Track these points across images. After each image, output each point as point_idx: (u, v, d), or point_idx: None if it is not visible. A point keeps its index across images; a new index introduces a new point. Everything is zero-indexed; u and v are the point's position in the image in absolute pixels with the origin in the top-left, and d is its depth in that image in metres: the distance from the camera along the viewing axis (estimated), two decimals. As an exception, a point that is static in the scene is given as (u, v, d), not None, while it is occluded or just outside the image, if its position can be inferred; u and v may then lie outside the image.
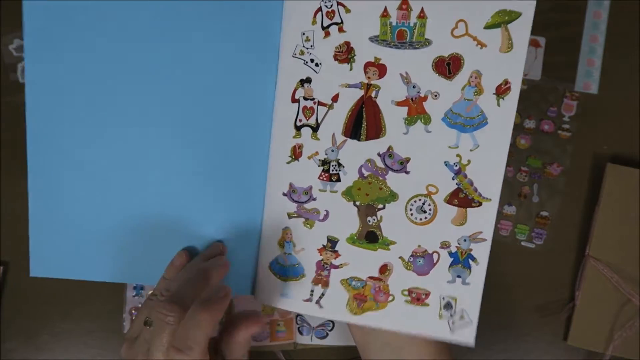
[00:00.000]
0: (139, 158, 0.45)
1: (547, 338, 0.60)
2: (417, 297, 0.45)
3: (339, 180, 0.45)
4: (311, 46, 0.44)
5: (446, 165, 0.43)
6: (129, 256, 0.47)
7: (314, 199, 0.45)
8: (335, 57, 0.44)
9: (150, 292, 0.43)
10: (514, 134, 0.60)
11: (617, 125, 0.60)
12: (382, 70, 0.43)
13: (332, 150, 0.44)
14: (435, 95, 0.43)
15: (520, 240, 0.60)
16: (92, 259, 0.47)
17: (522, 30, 0.41)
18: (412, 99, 0.43)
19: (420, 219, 0.44)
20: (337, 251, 0.45)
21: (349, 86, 0.44)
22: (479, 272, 0.44)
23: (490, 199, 0.43)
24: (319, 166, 0.45)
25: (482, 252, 0.44)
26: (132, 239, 0.46)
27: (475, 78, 0.42)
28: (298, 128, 0.45)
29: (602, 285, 0.57)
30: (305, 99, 0.44)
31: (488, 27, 0.42)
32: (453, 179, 0.43)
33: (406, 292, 0.45)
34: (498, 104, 0.42)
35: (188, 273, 0.42)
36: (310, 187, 0.45)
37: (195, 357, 0.36)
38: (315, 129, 0.44)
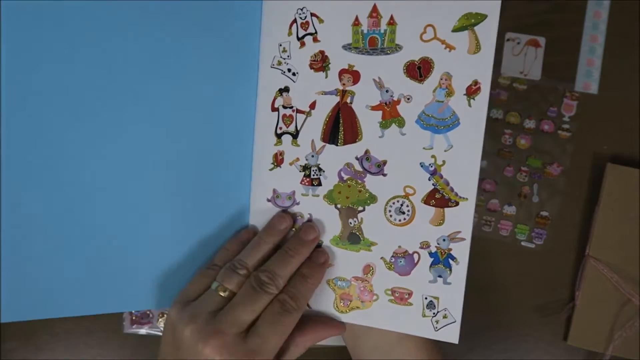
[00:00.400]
0: (118, 174, 0.45)
1: (547, 338, 0.60)
2: (400, 297, 0.45)
3: (320, 184, 0.46)
4: (288, 56, 0.45)
5: (422, 166, 0.44)
6: (117, 281, 0.46)
7: (297, 204, 0.46)
8: (311, 66, 0.45)
9: (212, 262, 0.45)
10: (514, 134, 0.60)
11: (617, 125, 0.60)
12: (356, 76, 0.45)
13: (312, 156, 0.46)
14: (408, 99, 0.44)
15: (520, 240, 0.60)
16: (75, 292, 0.46)
17: (488, 31, 0.42)
18: (385, 103, 0.44)
19: (399, 220, 0.45)
20: None
21: (325, 93, 0.45)
22: (459, 272, 0.45)
23: (466, 199, 0.44)
24: (300, 172, 0.46)
25: (461, 252, 0.45)
26: (116, 263, 0.46)
27: (446, 80, 0.43)
28: (279, 136, 0.46)
29: (602, 285, 0.57)
30: (284, 107, 0.46)
31: (455, 30, 0.43)
32: (429, 180, 0.44)
33: (389, 292, 0.46)
34: (469, 105, 0.43)
35: (280, 253, 0.44)
36: (293, 192, 0.46)
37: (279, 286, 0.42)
38: (295, 136, 0.46)
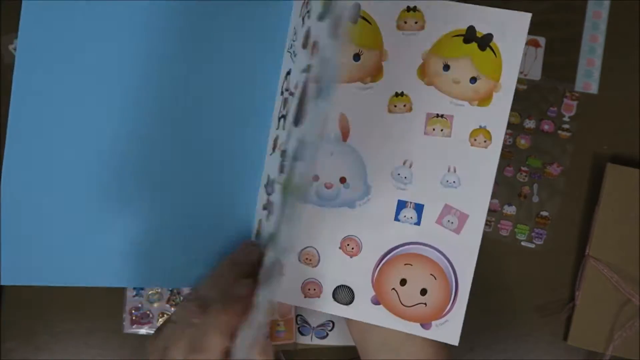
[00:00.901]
0: (133, 158, 0.44)
1: (547, 338, 0.60)
2: None
3: None
4: (295, 39, 0.44)
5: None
6: (120, 260, 0.45)
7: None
8: (303, 45, 0.43)
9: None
10: (514, 134, 0.60)
11: (617, 125, 0.60)
12: None
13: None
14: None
15: (520, 240, 0.60)
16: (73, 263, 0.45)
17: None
18: None
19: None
20: None
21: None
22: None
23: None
24: (280, 156, 0.44)
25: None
26: (124, 243, 0.45)
27: None
28: (279, 120, 0.45)
29: (602, 285, 0.57)
30: (286, 90, 0.44)
31: None
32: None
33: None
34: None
35: (215, 271, 0.41)
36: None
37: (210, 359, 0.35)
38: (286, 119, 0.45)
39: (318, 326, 0.59)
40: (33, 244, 0.44)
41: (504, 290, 0.60)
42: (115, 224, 0.45)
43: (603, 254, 0.57)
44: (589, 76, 0.60)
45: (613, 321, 0.57)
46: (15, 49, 0.59)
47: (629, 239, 0.57)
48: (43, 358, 0.59)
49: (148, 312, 0.59)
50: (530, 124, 0.60)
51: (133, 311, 0.59)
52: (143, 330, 0.59)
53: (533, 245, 0.60)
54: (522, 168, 0.60)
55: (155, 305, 0.59)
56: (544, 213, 0.60)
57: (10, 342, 0.59)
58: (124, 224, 0.45)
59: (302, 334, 0.59)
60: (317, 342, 0.59)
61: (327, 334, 0.59)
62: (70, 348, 0.59)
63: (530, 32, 0.61)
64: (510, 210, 0.60)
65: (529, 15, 0.42)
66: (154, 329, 0.58)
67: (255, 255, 0.41)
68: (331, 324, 0.59)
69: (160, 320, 0.59)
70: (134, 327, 0.59)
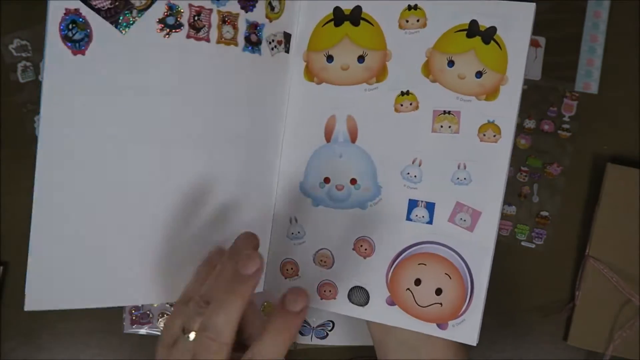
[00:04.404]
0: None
1: (547, 338, 0.60)
2: None
3: None
4: None
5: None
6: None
7: None
8: None
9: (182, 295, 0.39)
10: (514, 134, 0.60)
11: (617, 125, 0.60)
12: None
13: None
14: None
15: (520, 240, 0.60)
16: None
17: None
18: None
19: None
20: None
21: None
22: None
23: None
24: None
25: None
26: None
27: None
28: None
29: (602, 285, 0.57)
30: None
31: None
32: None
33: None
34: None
35: (218, 278, 0.37)
36: None
37: (221, 341, 0.33)
38: None
39: (318, 326, 0.59)
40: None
41: (504, 290, 0.60)
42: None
43: (603, 254, 0.57)
44: (589, 76, 0.60)
45: (613, 321, 0.57)
46: (15, 49, 0.59)
47: (629, 239, 0.57)
48: (43, 358, 0.59)
49: (148, 312, 0.59)
50: (530, 124, 0.60)
51: (133, 311, 0.59)
52: (143, 330, 0.59)
53: (533, 245, 0.60)
54: (522, 168, 0.60)
55: (155, 305, 0.59)
56: (544, 213, 0.60)
57: (11, 341, 0.59)
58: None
59: (302, 334, 0.59)
60: (317, 342, 0.59)
61: (327, 334, 0.59)
62: (71, 348, 0.59)
63: (530, 32, 0.60)
64: (510, 210, 0.60)
65: (533, 6, 0.42)
66: (154, 329, 0.58)
67: (254, 245, 0.39)
68: (331, 324, 0.59)
69: (160, 320, 0.58)
70: (134, 327, 0.59)
